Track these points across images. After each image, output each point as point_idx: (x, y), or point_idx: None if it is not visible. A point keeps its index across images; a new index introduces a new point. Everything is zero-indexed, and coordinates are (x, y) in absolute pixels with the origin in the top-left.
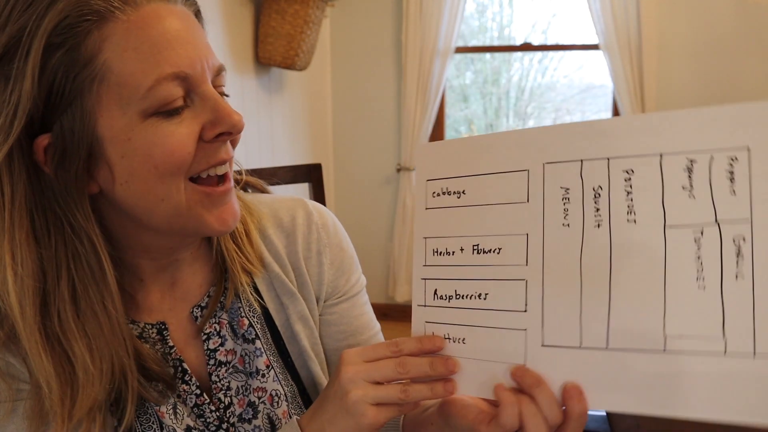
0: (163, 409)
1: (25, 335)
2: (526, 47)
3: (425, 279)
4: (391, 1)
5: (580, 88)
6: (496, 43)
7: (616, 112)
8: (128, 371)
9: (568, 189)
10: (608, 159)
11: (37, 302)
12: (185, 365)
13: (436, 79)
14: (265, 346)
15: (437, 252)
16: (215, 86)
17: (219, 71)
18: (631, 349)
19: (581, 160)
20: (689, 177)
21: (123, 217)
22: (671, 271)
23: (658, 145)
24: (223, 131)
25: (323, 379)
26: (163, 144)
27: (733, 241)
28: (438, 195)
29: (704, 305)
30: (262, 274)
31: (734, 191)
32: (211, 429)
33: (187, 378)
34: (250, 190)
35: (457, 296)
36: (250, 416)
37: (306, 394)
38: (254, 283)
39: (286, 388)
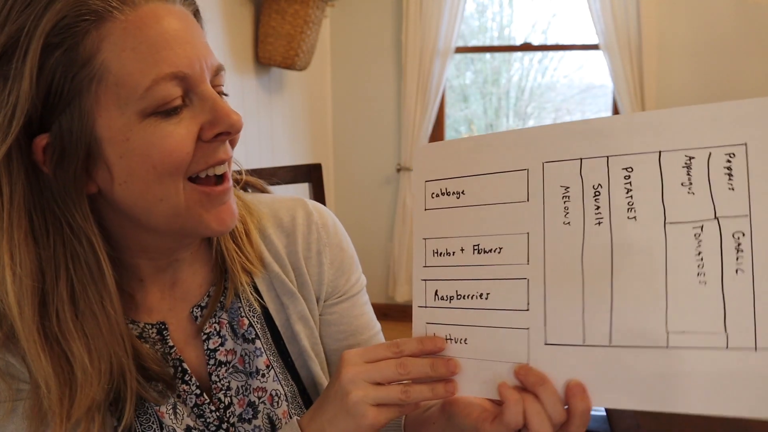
0: (163, 409)
1: (24, 335)
2: (526, 47)
3: (425, 280)
4: (391, 1)
5: (580, 88)
6: (496, 43)
7: (616, 112)
8: (127, 371)
9: (568, 187)
10: (607, 157)
11: (35, 302)
12: (185, 365)
13: (436, 79)
14: (265, 346)
15: (437, 253)
16: (214, 86)
17: (218, 71)
18: (634, 346)
19: (581, 159)
20: (688, 174)
21: (122, 217)
22: (672, 267)
23: (656, 142)
24: (221, 131)
25: (323, 380)
26: (161, 144)
27: (733, 236)
28: (437, 196)
29: (706, 300)
30: (262, 274)
31: (732, 187)
32: (211, 429)
33: (187, 378)
34: (250, 190)
35: (458, 296)
36: (250, 416)
37: (306, 394)
38: (254, 283)
39: (286, 388)
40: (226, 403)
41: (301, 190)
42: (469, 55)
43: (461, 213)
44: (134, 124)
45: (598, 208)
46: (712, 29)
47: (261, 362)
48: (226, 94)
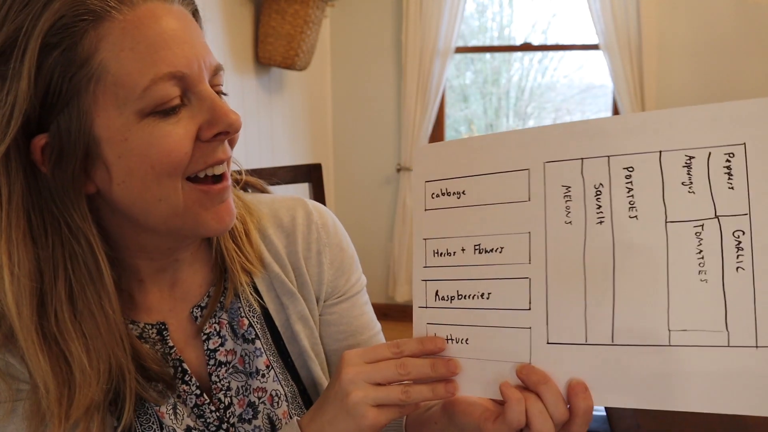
0: (163, 409)
1: (22, 335)
2: (526, 47)
3: (426, 280)
4: (391, 1)
5: (580, 88)
6: (496, 43)
7: (616, 112)
8: (126, 371)
9: (569, 187)
10: (608, 157)
11: (34, 302)
12: (185, 365)
13: (436, 79)
14: (265, 346)
15: (438, 253)
16: (213, 86)
17: (216, 71)
18: (636, 344)
19: (582, 159)
20: (688, 173)
21: (120, 217)
22: (673, 266)
23: (656, 142)
24: (220, 131)
25: (323, 380)
26: (159, 144)
27: (733, 234)
28: (437, 196)
29: (707, 298)
30: (262, 274)
31: (732, 186)
32: (211, 429)
33: (187, 378)
34: (250, 190)
35: (459, 296)
36: (250, 416)
37: (306, 394)
38: (254, 283)
39: (286, 389)
40: (226, 403)
41: (301, 190)
42: (469, 55)
43: (462, 213)
44: (133, 124)
45: (599, 207)
46: (712, 29)
47: (261, 362)
48: (225, 94)
